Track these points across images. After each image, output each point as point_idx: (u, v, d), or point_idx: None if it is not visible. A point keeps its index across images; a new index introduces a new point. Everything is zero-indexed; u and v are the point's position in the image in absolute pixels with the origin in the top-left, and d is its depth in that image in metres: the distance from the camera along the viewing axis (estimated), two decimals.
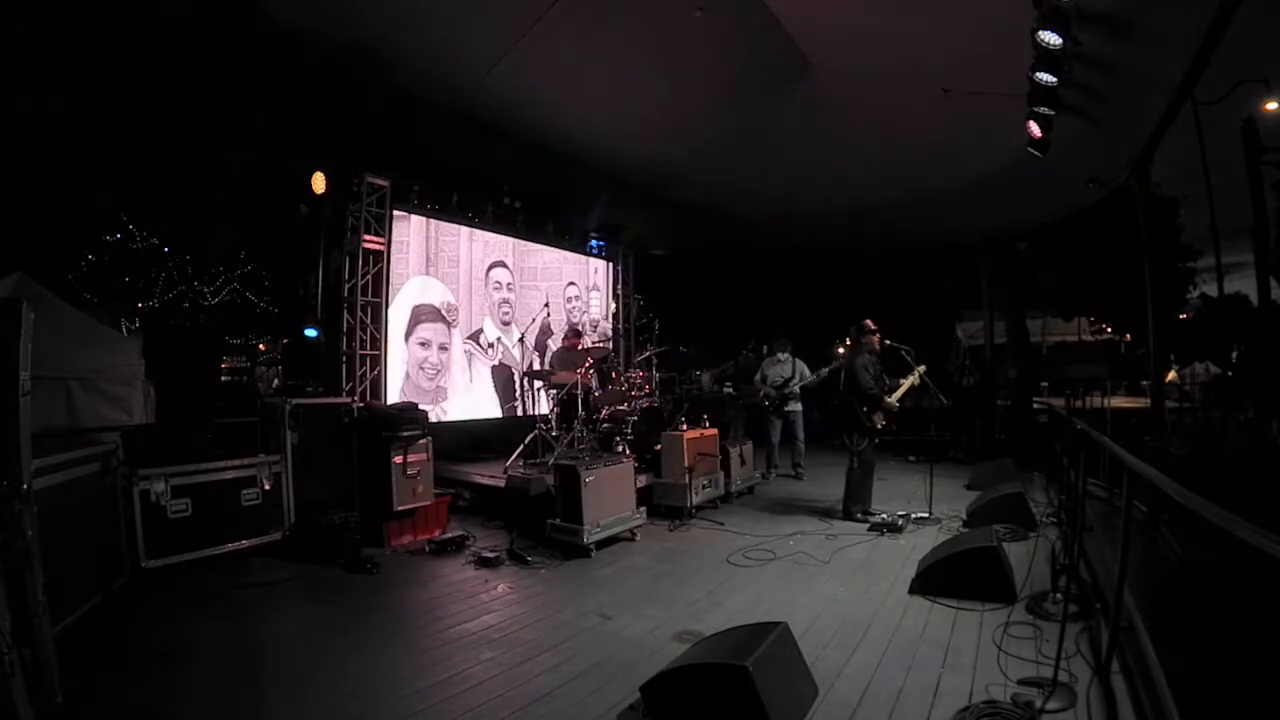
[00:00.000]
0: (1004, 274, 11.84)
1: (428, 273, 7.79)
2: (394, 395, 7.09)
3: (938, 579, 3.93)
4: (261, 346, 16.60)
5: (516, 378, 8.33)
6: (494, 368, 8.52)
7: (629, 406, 6.99)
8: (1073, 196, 8.95)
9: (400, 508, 5.16)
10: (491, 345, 8.55)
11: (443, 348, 7.85)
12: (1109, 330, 19.61)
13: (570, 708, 2.71)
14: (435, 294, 7.84)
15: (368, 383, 6.92)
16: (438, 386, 7.77)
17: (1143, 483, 2.69)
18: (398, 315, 7.35)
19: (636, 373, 7.69)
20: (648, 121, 7.59)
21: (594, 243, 10.31)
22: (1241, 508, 1.63)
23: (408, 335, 7.48)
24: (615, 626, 3.58)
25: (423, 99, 6.73)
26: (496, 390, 8.49)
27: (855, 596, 3.98)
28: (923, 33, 5.83)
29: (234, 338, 15.65)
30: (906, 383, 5.91)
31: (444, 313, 7.91)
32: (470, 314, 8.28)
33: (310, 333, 6.37)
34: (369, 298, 6.99)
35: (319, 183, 6.48)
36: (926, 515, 5.76)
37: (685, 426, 6.41)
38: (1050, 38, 5.08)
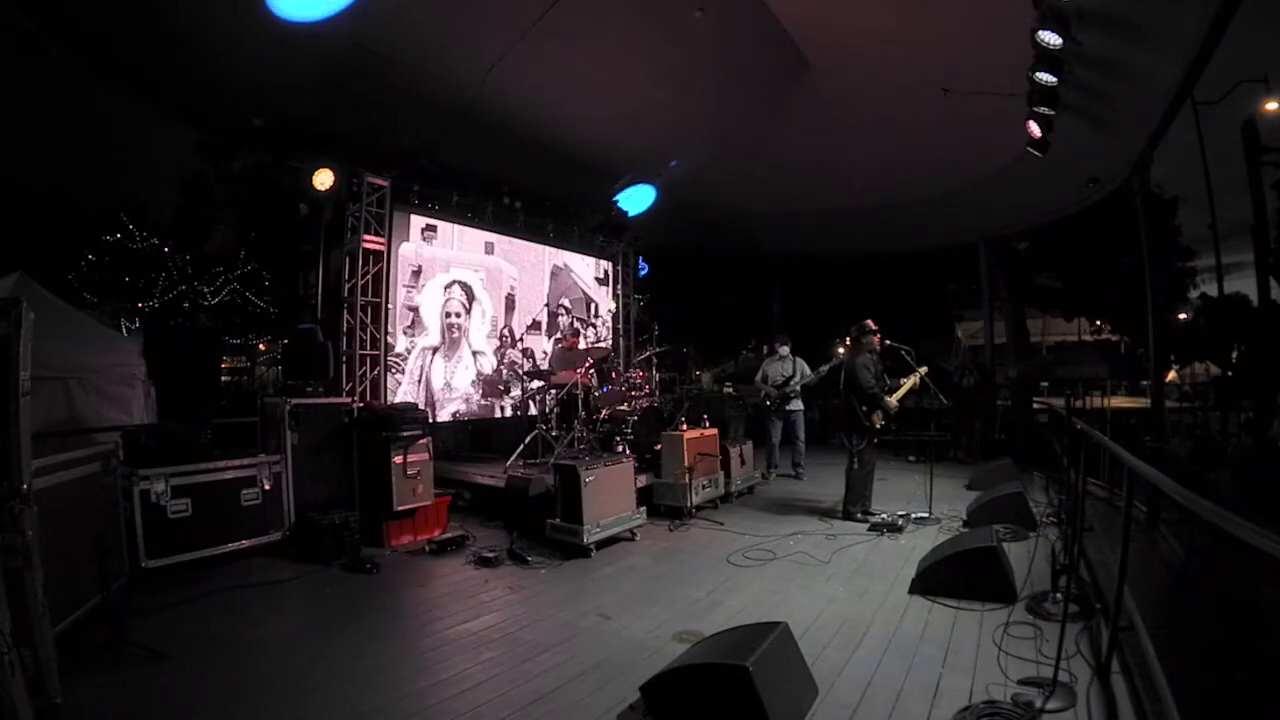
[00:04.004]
0: (1004, 274, 11.84)
1: (449, 270, 8.03)
2: (396, 395, 7.09)
3: (938, 579, 3.93)
4: (262, 346, 16.62)
5: (516, 377, 8.33)
6: (493, 367, 8.52)
7: (629, 406, 6.98)
8: (1072, 196, 8.95)
9: (400, 508, 5.15)
10: (494, 344, 8.55)
11: (460, 314, 8.14)
12: (1107, 330, 19.64)
13: (570, 708, 2.70)
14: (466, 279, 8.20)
15: (368, 383, 6.92)
16: (442, 385, 7.78)
17: (1143, 483, 2.70)
18: (433, 288, 7.78)
19: (636, 373, 7.68)
20: (648, 121, 7.60)
21: (596, 243, 10.30)
22: (1241, 507, 1.63)
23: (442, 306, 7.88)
24: (615, 626, 3.58)
25: (423, 98, 6.73)
26: (495, 390, 8.49)
27: (855, 596, 3.98)
28: (923, 33, 5.84)
29: (234, 338, 15.66)
30: (907, 383, 5.91)
31: (466, 299, 8.18)
32: (475, 314, 8.29)
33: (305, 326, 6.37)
34: (369, 298, 6.99)
35: (324, 179, 6.43)
36: (926, 515, 5.75)
37: (685, 426, 6.40)
38: (1050, 38, 5.09)
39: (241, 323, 15.56)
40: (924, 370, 5.92)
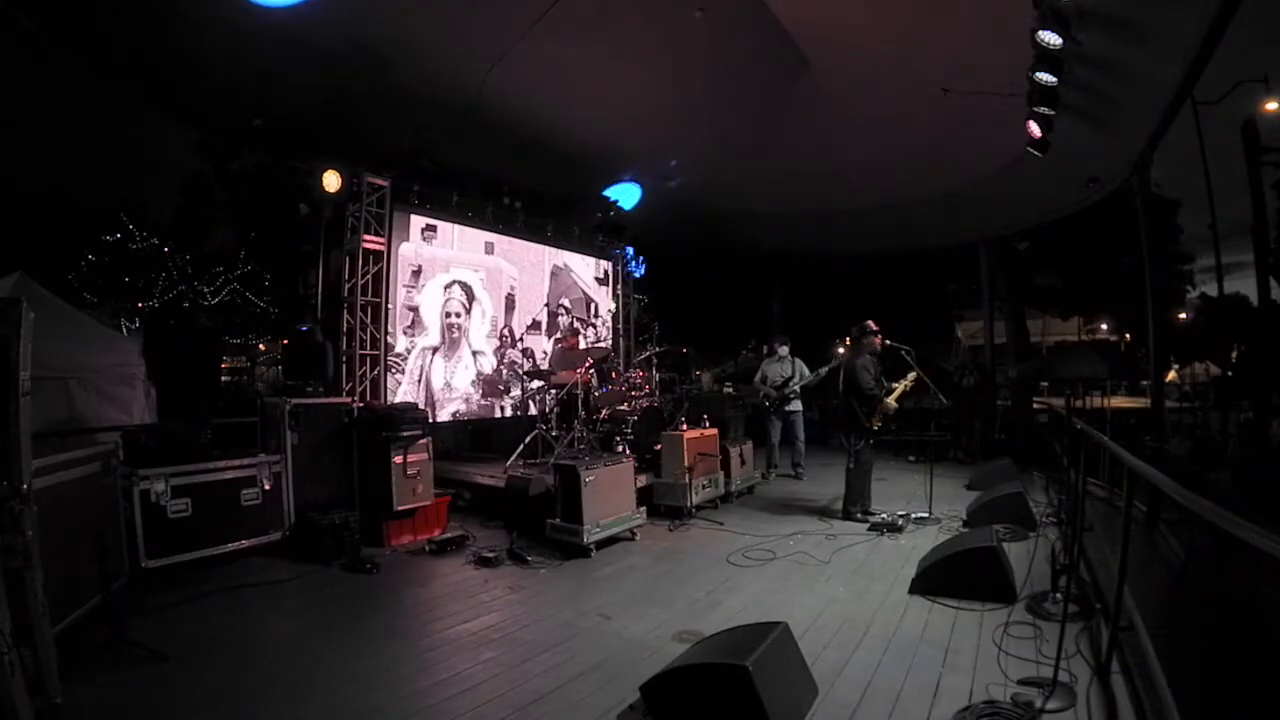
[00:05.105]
0: (1004, 274, 11.83)
1: (449, 270, 8.02)
2: (396, 395, 7.09)
3: (938, 579, 3.93)
4: (262, 346, 16.61)
5: (516, 377, 8.33)
6: (493, 367, 8.52)
7: (629, 406, 6.98)
8: (1072, 196, 8.95)
9: (400, 508, 5.15)
10: (494, 344, 8.55)
11: (460, 314, 8.13)
12: (1104, 329, 19.65)
13: (570, 708, 2.70)
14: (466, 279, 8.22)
15: (368, 383, 6.92)
16: (442, 385, 7.78)
17: (1143, 483, 2.70)
18: (433, 288, 7.78)
19: (636, 373, 7.68)
20: (648, 121, 7.60)
21: (596, 243, 10.31)
22: (1241, 507, 1.63)
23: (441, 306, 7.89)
24: (615, 626, 3.58)
25: (423, 98, 6.73)
26: (495, 390, 8.49)
27: (855, 596, 3.98)
28: (922, 33, 5.84)
29: (234, 338, 15.64)
30: (900, 387, 5.87)
31: (466, 299, 8.19)
32: (475, 314, 8.29)
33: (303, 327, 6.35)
34: (369, 298, 6.99)
35: (331, 180, 6.42)
36: (926, 515, 5.75)
37: (685, 426, 6.40)
38: (1050, 38, 5.09)
39: (241, 323, 15.53)
40: (914, 376, 5.89)
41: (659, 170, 8.88)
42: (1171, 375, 14.54)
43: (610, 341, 9.56)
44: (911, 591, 3.98)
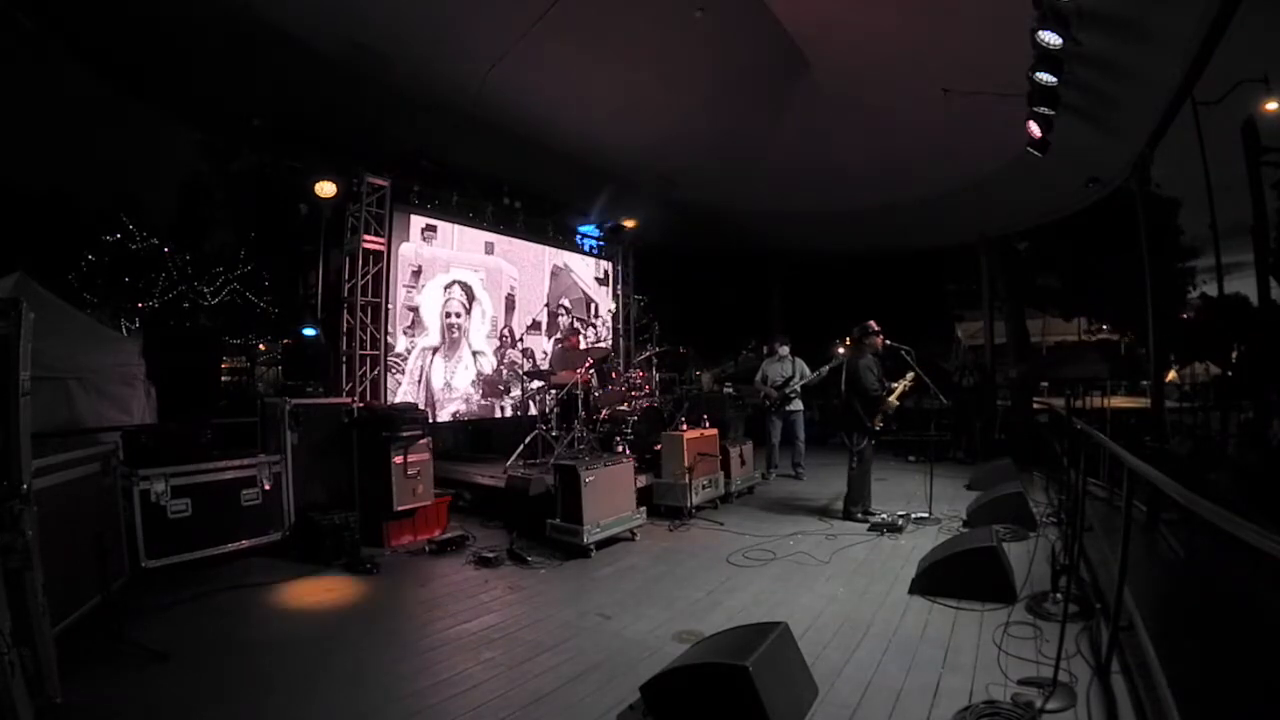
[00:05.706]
0: (1004, 274, 11.84)
1: (449, 270, 8.03)
2: (396, 395, 7.09)
3: (938, 579, 3.93)
4: (262, 346, 16.62)
5: (516, 377, 8.33)
6: (493, 367, 8.52)
7: (629, 406, 6.98)
8: (1072, 196, 8.95)
9: (400, 508, 5.15)
10: (494, 344, 8.55)
11: (460, 314, 8.13)
12: (1105, 328, 19.67)
13: (570, 708, 2.70)
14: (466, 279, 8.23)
15: (368, 383, 6.92)
16: (442, 385, 7.78)
17: (1143, 483, 2.70)
18: (433, 288, 7.78)
19: (636, 373, 7.68)
20: (648, 121, 7.59)
21: (593, 242, 10.32)
22: (1241, 507, 1.63)
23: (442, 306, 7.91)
24: (615, 626, 3.58)
25: (423, 98, 6.73)
26: (495, 390, 8.49)
27: (855, 596, 3.98)
28: (922, 33, 5.83)
29: (234, 338, 15.65)
30: (899, 387, 5.88)
31: (466, 299, 8.20)
32: (475, 314, 8.29)
33: (308, 331, 6.34)
34: (369, 298, 6.99)
35: (326, 189, 6.43)
36: (926, 515, 5.75)
37: (685, 426, 6.40)
38: (1050, 38, 5.09)
39: (242, 323, 15.55)
40: (911, 376, 5.89)
41: (660, 181, 8.93)
42: (1171, 375, 14.55)
43: (610, 341, 9.56)
44: (911, 591, 3.97)
